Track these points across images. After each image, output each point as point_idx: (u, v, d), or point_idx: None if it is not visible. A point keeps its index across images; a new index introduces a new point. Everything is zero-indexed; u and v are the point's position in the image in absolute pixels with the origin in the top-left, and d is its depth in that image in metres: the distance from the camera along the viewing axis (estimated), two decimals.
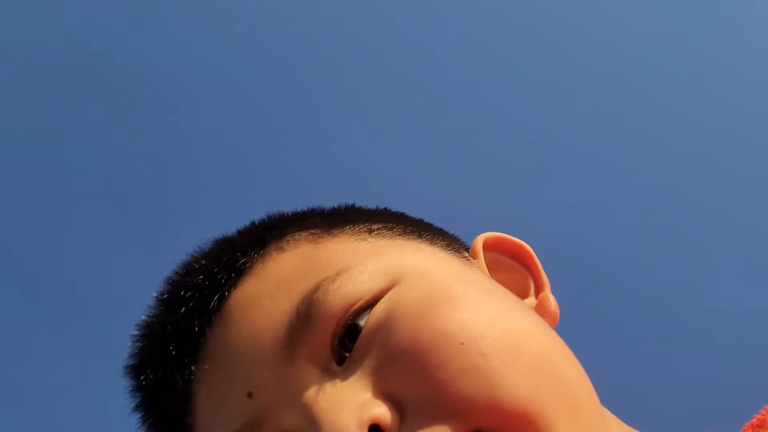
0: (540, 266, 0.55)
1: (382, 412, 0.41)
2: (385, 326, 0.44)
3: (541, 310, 0.52)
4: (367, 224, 0.52)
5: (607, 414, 0.50)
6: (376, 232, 0.51)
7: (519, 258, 0.56)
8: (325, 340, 0.44)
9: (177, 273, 0.53)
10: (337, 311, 0.44)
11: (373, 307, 0.45)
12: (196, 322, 0.48)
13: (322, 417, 0.41)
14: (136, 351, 0.52)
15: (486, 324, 0.43)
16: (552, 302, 0.53)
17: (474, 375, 0.40)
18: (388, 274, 0.46)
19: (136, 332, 0.52)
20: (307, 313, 0.45)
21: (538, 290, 0.54)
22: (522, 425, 0.40)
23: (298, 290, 0.46)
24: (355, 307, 0.44)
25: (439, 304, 0.44)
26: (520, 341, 0.43)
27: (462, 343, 0.41)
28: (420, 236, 0.52)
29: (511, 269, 0.56)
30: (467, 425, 0.40)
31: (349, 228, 0.51)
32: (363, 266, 0.46)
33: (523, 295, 0.55)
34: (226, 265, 0.50)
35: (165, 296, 0.52)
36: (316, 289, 0.45)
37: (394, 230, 0.51)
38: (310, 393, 0.43)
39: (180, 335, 0.49)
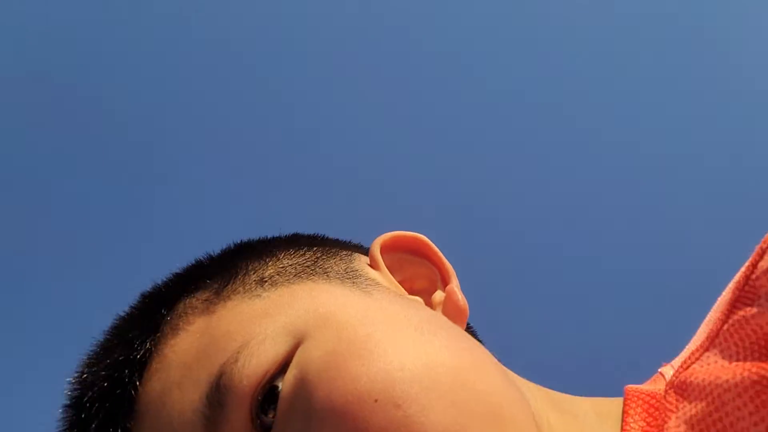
0: (442, 256, 0.55)
1: None
2: (300, 393, 0.43)
3: (450, 304, 0.52)
4: (256, 273, 0.49)
5: (524, 382, 0.51)
6: (268, 282, 0.48)
7: (419, 252, 0.55)
8: (245, 421, 0.43)
9: (76, 382, 0.50)
10: (248, 391, 0.43)
11: (285, 372, 0.44)
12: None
13: None
14: None
15: (395, 370, 0.42)
16: (459, 297, 0.52)
17: (394, 429, 0.40)
18: (290, 334, 0.45)
19: None
20: (218, 401, 0.43)
21: (445, 281, 0.54)
22: None
23: (202, 377, 0.44)
24: (266, 379, 0.43)
25: (345, 360, 0.43)
26: (432, 376, 0.43)
27: (376, 401, 0.41)
28: (314, 272, 0.50)
29: (414, 264, 0.55)
30: None
31: (240, 284, 0.49)
32: (262, 334, 0.45)
33: (432, 288, 0.54)
34: (124, 364, 0.48)
35: (72, 415, 0.49)
36: (220, 375, 0.44)
37: (286, 272, 0.49)
38: None
39: None
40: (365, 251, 0.56)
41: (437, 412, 0.41)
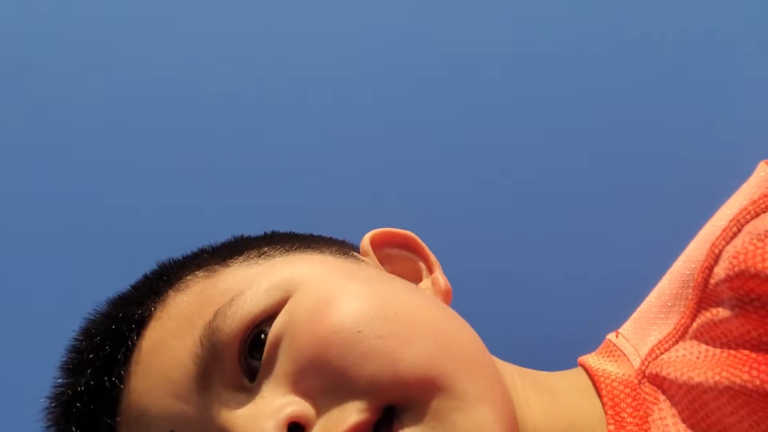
0: (427, 250, 0.59)
1: (298, 408, 0.43)
2: (286, 334, 0.46)
3: (435, 289, 0.56)
4: (256, 249, 0.54)
5: (501, 362, 0.54)
6: (266, 254, 0.53)
7: (407, 246, 0.59)
8: (233, 361, 0.46)
9: (76, 339, 0.53)
10: (238, 333, 0.46)
11: (273, 320, 0.47)
12: (105, 380, 0.49)
13: (242, 429, 0.43)
14: (50, 423, 0.52)
15: (378, 308, 0.46)
16: (442, 281, 0.56)
17: (375, 356, 0.43)
18: (281, 289, 0.48)
19: (47, 405, 0.52)
20: (210, 342, 0.46)
21: (431, 270, 0.58)
22: (428, 390, 0.43)
23: (198, 324, 0.48)
24: (255, 324, 0.47)
25: (331, 302, 0.46)
26: (412, 317, 0.46)
27: (359, 331, 0.44)
28: (308, 247, 0.54)
29: (402, 259, 0.59)
30: (376, 402, 0.42)
31: (239, 256, 0.53)
32: (257, 287, 0.48)
33: (417, 279, 0.58)
34: (124, 319, 0.51)
35: (68, 365, 0.52)
36: (214, 318, 0.47)
37: (283, 248, 0.54)
38: (226, 413, 0.45)
39: (91, 396, 0.49)
40: (356, 247, 0.60)
41: (418, 346, 0.44)
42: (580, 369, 0.55)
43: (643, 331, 0.54)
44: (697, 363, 0.47)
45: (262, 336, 0.47)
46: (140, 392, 0.48)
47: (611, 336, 0.57)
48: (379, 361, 0.43)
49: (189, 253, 0.58)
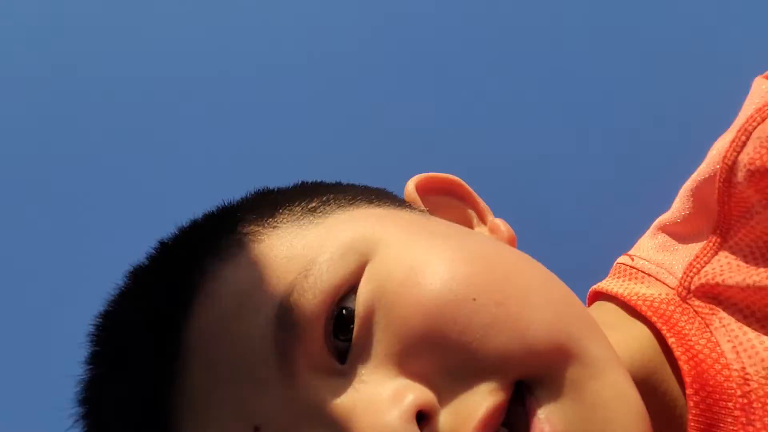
0: (476, 195, 0.54)
1: (419, 395, 0.37)
2: (378, 306, 0.40)
3: (499, 236, 0.51)
4: (301, 204, 0.46)
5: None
6: (318, 211, 0.45)
7: (454, 193, 0.54)
8: (319, 342, 0.40)
9: (107, 320, 0.44)
10: (323, 308, 0.40)
11: (355, 292, 0.40)
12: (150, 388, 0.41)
13: (359, 423, 0.37)
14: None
15: (485, 270, 0.41)
16: (503, 226, 0.51)
17: (499, 327, 0.38)
18: (357, 252, 0.41)
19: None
20: (289, 321, 0.39)
21: (482, 218, 0.53)
22: (560, 359, 0.38)
23: (265, 300, 0.40)
24: (338, 296, 0.40)
25: (429, 265, 0.40)
26: (521, 279, 0.41)
27: (474, 299, 0.39)
28: (366, 199, 0.47)
29: (451, 207, 0.53)
30: (507, 379, 0.38)
31: (286, 214, 0.45)
32: (328, 252, 0.41)
33: (469, 227, 0.53)
34: (165, 300, 0.43)
35: (103, 353, 0.43)
36: (290, 293, 0.40)
37: (336, 202, 0.46)
38: (331, 403, 0.38)
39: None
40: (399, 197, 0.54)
41: (538, 309, 0.39)
42: (601, 302, 0.52)
43: (666, 251, 0.52)
44: (748, 266, 0.46)
45: (344, 311, 0.40)
46: (203, 390, 0.41)
47: (624, 259, 0.55)
48: (505, 333, 0.38)
49: (212, 211, 0.50)
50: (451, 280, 0.39)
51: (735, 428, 0.43)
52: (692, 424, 0.44)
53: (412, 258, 0.41)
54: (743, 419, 0.43)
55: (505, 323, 0.38)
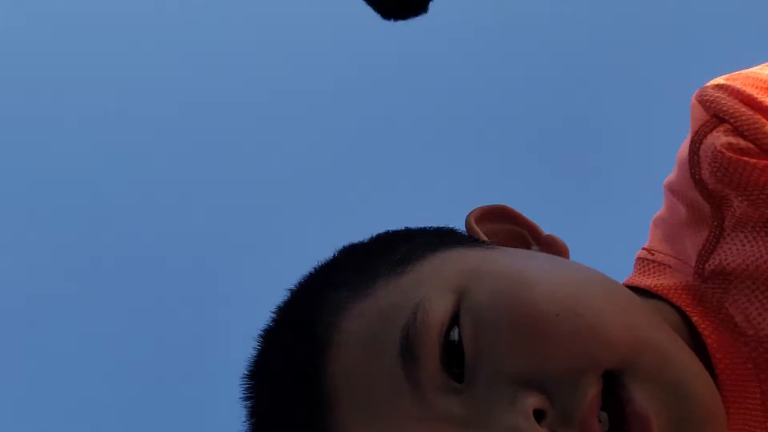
0: (524, 216, 0.63)
1: (533, 398, 0.46)
2: (481, 333, 0.49)
3: (555, 249, 0.60)
4: (389, 257, 0.55)
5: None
6: (407, 260, 0.54)
7: (506, 218, 0.62)
8: (437, 368, 0.49)
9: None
10: (435, 337, 0.49)
11: (458, 323, 0.50)
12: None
13: (491, 427, 0.46)
14: None
15: (561, 288, 0.50)
16: (557, 239, 0.60)
17: (582, 334, 0.47)
18: (451, 289, 0.51)
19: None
20: (411, 355, 0.49)
21: (536, 236, 0.62)
22: (637, 349, 0.48)
23: (386, 343, 0.50)
24: (444, 329, 0.49)
25: (513, 292, 0.50)
26: (590, 288, 0.51)
27: (557, 315, 0.48)
28: (443, 243, 0.56)
29: (506, 230, 0.62)
30: (597, 372, 0.47)
31: (379, 267, 0.54)
32: (427, 295, 0.50)
33: (526, 246, 0.62)
34: (304, 341, 0.53)
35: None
36: (406, 334, 0.49)
37: (421, 248, 0.55)
38: (462, 414, 0.48)
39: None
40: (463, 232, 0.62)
41: (610, 313, 0.49)
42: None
43: (675, 243, 0.60)
44: (751, 248, 0.54)
45: (452, 339, 0.49)
46: (350, 424, 0.50)
47: (644, 254, 0.63)
48: (588, 339, 0.47)
49: (311, 274, 0.59)
50: (534, 303, 0.49)
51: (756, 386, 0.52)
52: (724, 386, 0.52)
53: (496, 288, 0.50)
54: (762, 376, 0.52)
55: (586, 330, 0.48)
